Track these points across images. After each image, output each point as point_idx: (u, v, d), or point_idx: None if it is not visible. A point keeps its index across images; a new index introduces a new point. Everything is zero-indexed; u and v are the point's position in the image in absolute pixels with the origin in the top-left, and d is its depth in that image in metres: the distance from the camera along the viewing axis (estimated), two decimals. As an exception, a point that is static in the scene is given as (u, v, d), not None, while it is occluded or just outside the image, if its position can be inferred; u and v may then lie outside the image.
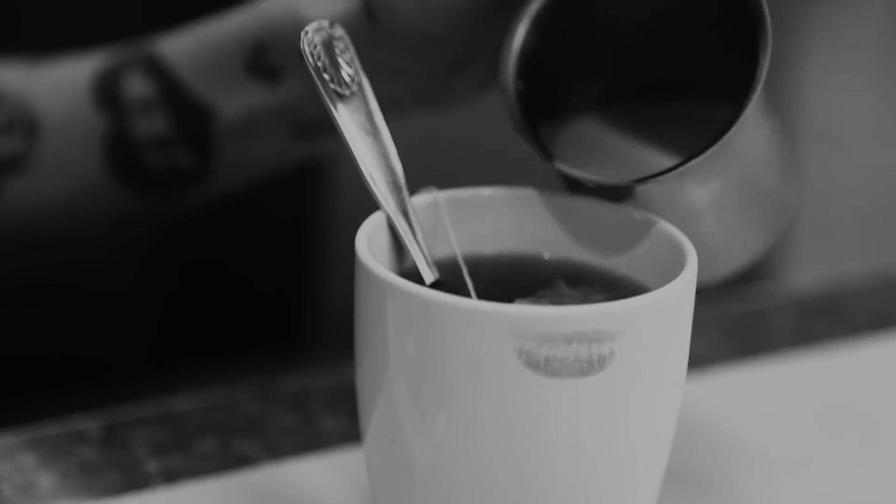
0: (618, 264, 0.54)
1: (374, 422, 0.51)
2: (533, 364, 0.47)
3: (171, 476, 0.59)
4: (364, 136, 0.52)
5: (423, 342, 0.48)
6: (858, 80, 2.26)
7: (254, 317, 0.89)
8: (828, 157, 1.92)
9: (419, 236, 0.52)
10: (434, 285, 0.52)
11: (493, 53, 0.57)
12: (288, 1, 0.62)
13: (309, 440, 0.62)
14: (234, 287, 0.88)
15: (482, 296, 0.52)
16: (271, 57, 0.62)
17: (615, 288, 0.53)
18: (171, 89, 0.64)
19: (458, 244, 0.54)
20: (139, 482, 0.58)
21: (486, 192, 0.55)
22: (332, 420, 0.63)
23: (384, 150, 0.53)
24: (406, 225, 0.52)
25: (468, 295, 0.52)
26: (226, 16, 0.64)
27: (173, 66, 0.64)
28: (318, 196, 0.90)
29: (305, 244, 0.91)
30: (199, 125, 0.64)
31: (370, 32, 0.58)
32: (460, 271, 0.53)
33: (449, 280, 0.52)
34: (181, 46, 0.65)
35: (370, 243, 0.51)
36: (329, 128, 0.54)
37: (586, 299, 0.52)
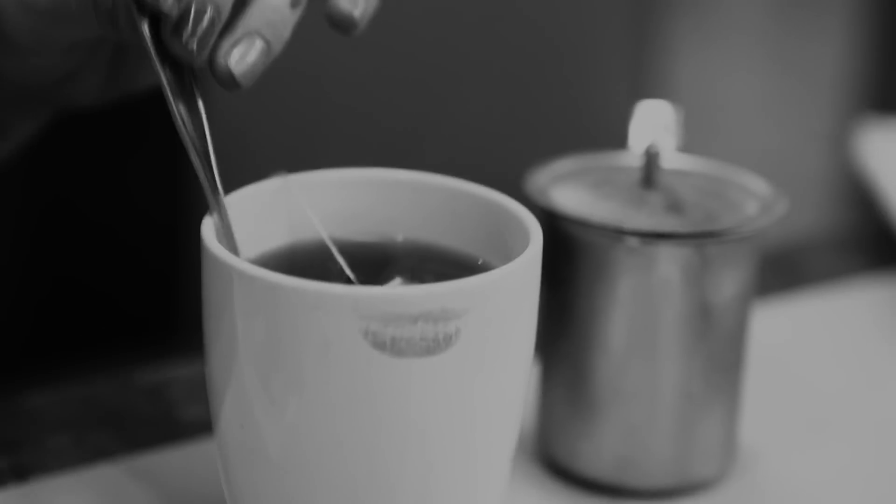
0: (467, 244, 0.53)
1: (226, 408, 0.50)
2: (379, 344, 0.47)
3: (22, 473, 0.58)
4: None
5: (271, 326, 0.48)
6: (736, 64, 2.29)
7: (111, 310, 0.87)
8: (705, 140, 1.94)
9: (225, 212, 0.51)
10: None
11: None
12: None
13: (169, 431, 0.61)
14: (91, 281, 0.87)
15: (334, 279, 0.51)
16: None
17: (465, 267, 0.53)
18: None
19: (321, 225, 0.53)
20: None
21: (336, 174, 0.55)
22: (193, 409, 0.62)
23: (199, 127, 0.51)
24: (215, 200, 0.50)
25: (343, 274, 0.51)
26: None
27: None
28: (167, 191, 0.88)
29: (160, 238, 0.89)
30: None
31: None
32: (322, 254, 0.53)
33: (316, 263, 0.52)
34: None
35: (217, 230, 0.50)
36: None
37: (436, 279, 0.52)
